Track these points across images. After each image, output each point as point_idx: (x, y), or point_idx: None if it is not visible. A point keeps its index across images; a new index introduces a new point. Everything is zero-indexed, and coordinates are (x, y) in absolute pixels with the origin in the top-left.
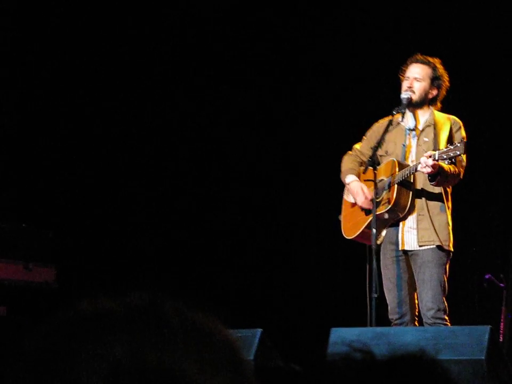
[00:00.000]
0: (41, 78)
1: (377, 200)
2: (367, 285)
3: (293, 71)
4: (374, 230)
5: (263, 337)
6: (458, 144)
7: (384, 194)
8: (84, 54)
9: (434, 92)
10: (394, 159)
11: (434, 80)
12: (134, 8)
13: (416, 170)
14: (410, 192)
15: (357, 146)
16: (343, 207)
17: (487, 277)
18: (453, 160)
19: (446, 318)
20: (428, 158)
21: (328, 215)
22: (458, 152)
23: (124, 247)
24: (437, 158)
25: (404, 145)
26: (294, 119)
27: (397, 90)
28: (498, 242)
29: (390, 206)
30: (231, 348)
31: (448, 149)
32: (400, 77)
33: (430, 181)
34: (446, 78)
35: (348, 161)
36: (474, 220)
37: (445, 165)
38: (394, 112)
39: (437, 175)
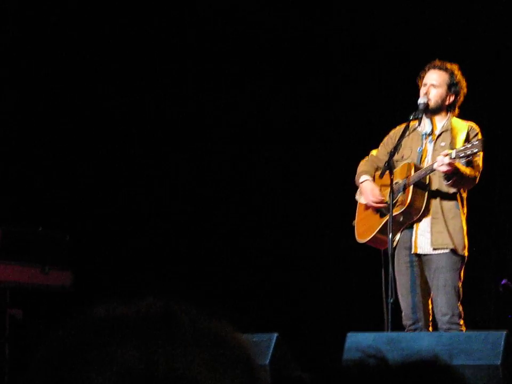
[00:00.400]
0: (62, 82)
1: (394, 201)
2: (383, 290)
3: (306, 73)
4: (391, 235)
5: (279, 342)
6: (476, 142)
7: (399, 196)
8: (85, 53)
9: (452, 98)
10: (410, 162)
11: (452, 87)
12: (133, 8)
13: (432, 170)
14: (426, 194)
15: (374, 152)
16: (357, 211)
17: (503, 282)
18: (470, 159)
19: (461, 323)
20: (444, 156)
21: (344, 220)
22: (475, 150)
23: (140, 251)
24: (453, 157)
25: (420, 149)
26: (309, 123)
27: (415, 97)
28: None
29: (404, 208)
30: (244, 354)
31: (465, 147)
32: (418, 83)
33: (446, 180)
34: (463, 84)
35: (363, 165)
36: (490, 225)
37: (462, 166)
38: (410, 118)
39: (452, 175)
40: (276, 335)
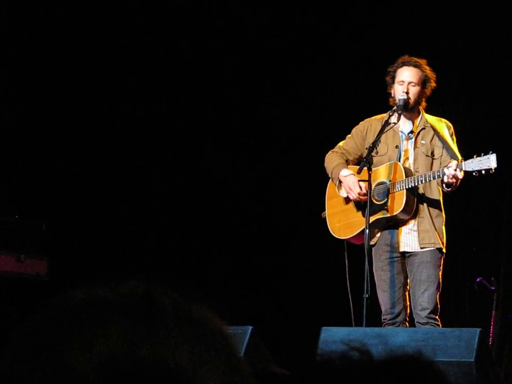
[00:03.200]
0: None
1: (380, 203)
2: (348, 285)
3: (270, 74)
4: (367, 231)
5: (254, 335)
6: (489, 157)
7: (388, 199)
8: (88, 52)
9: (425, 94)
10: (399, 163)
11: (426, 83)
12: (133, 9)
13: (435, 178)
14: (416, 198)
15: (341, 144)
16: (330, 203)
17: (478, 280)
18: (482, 173)
19: (438, 319)
20: (455, 170)
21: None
22: (489, 166)
23: (117, 239)
24: (464, 169)
25: (398, 147)
26: (279, 118)
27: (379, 88)
28: (490, 245)
29: (397, 211)
30: (225, 341)
31: (478, 160)
32: (387, 78)
33: (447, 187)
34: (434, 78)
35: (335, 158)
36: (467, 223)
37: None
38: (390, 114)
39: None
40: (250, 327)
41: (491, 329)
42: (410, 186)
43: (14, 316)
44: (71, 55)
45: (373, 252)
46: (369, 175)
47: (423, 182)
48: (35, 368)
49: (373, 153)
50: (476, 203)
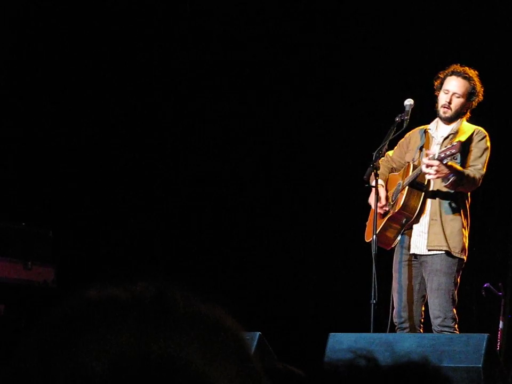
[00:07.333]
0: (40, 75)
1: (392, 203)
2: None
3: (312, 75)
4: (374, 237)
5: (262, 341)
6: (455, 143)
7: (398, 197)
8: (85, 55)
9: (468, 106)
10: (411, 163)
11: (471, 96)
12: (133, 10)
13: (421, 170)
14: (422, 194)
15: (390, 153)
16: (370, 212)
17: (485, 285)
18: (454, 157)
19: (455, 326)
20: (428, 158)
21: (332, 220)
22: (454, 151)
23: (123, 247)
24: (436, 157)
25: (422, 150)
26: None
27: (425, 98)
28: (497, 251)
29: (398, 208)
30: (237, 339)
31: (446, 147)
32: (436, 83)
33: (445, 180)
34: (482, 92)
35: (381, 166)
36: (474, 229)
37: (459, 166)
38: (429, 127)
39: (451, 175)
40: (258, 333)
41: (498, 335)
42: (408, 182)
43: (21, 323)
44: (71, 56)
45: (394, 254)
46: (376, 181)
47: (415, 176)
48: (47, 368)
49: (409, 160)
50: (482, 208)
